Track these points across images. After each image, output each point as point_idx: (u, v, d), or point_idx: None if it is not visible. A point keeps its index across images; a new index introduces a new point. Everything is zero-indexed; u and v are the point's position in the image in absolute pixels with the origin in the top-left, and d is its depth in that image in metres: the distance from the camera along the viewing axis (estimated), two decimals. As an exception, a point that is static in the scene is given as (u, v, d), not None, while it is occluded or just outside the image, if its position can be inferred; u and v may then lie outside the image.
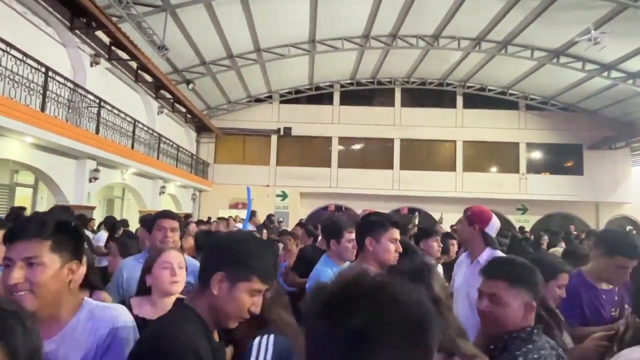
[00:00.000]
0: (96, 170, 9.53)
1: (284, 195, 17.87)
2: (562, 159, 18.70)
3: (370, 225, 2.16)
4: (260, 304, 1.26)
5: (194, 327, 1.16)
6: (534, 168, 18.49)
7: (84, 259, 1.26)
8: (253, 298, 1.23)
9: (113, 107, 10.12)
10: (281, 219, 11.94)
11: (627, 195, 17.71)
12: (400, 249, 2.18)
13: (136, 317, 1.52)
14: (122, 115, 10.68)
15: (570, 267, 2.35)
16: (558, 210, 18.12)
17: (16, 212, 5.88)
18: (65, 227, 1.21)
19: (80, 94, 8.88)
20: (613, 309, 2.30)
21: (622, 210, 18.01)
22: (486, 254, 2.52)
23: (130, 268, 2.49)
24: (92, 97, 9.24)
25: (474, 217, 2.60)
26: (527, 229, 15.12)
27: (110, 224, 6.91)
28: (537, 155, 18.88)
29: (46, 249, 1.15)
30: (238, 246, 1.26)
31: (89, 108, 9.22)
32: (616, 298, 2.32)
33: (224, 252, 1.25)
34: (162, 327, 1.16)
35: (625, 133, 16.68)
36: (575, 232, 11.71)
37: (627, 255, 2.19)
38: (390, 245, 2.13)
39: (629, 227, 16.18)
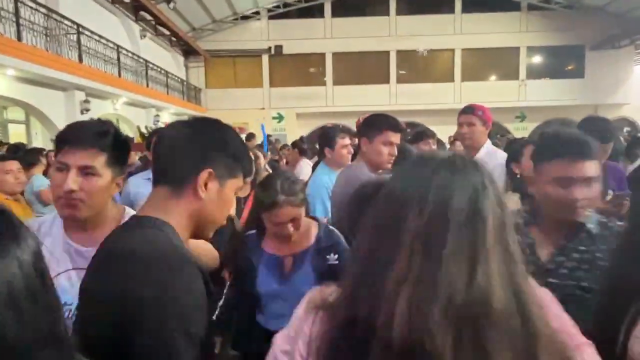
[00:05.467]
0: (86, 101, 9.33)
1: (280, 117, 17.66)
2: (563, 63, 18.15)
3: (367, 126, 2.14)
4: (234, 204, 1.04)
5: (177, 244, 0.89)
6: (534, 73, 18.02)
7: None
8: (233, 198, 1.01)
9: (93, 32, 9.61)
10: (276, 138, 11.94)
11: (627, 96, 17.47)
12: (395, 153, 2.14)
13: None
14: (104, 42, 10.19)
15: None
16: (556, 116, 17.97)
17: (15, 147, 5.86)
18: (118, 141, 1.19)
19: (56, 20, 8.38)
20: None
21: (621, 111, 17.87)
22: (485, 148, 2.55)
23: (136, 184, 2.57)
24: (68, 23, 8.74)
25: (486, 117, 2.55)
26: (525, 136, 15.12)
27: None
28: (537, 59, 18.30)
29: (102, 161, 1.15)
30: (219, 134, 0.96)
31: (68, 35, 8.77)
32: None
33: (205, 143, 0.94)
34: (138, 250, 0.83)
35: (630, 30, 15.96)
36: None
37: (600, 140, 2.18)
38: (383, 148, 2.09)
39: (626, 129, 16.21)
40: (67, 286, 1.16)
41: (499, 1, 17.18)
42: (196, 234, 0.97)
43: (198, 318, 0.81)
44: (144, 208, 0.95)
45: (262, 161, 3.90)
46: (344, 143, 2.68)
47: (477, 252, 0.57)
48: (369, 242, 0.63)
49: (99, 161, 1.15)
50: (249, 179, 1.11)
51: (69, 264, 1.19)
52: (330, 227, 1.82)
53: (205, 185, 0.91)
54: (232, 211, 1.04)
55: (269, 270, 1.70)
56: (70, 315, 1.14)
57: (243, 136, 9.73)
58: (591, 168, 1.19)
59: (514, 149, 2.38)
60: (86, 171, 1.13)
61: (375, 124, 2.13)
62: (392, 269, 0.57)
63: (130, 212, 1.30)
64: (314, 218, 1.84)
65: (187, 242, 0.95)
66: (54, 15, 8.35)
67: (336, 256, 1.72)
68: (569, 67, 18.24)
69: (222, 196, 0.95)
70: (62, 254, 1.19)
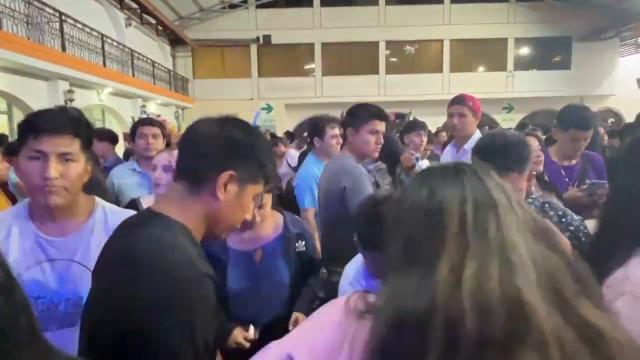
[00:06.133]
0: (70, 91, 9.13)
1: (268, 108, 17.53)
2: (550, 54, 18.31)
3: (352, 116, 2.15)
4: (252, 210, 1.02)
5: (192, 245, 0.88)
6: (522, 65, 18.15)
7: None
8: (252, 203, 0.99)
9: (76, 21, 9.38)
10: (266, 129, 11.87)
11: (612, 87, 17.70)
12: (382, 141, 2.18)
13: None
14: (88, 30, 9.96)
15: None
16: (543, 107, 18.20)
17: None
18: (88, 126, 1.19)
19: (37, 7, 8.16)
20: (571, 184, 2.42)
21: (606, 102, 18.14)
22: (475, 139, 2.57)
23: (119, 175, 2.53)
24: (50, 11, 8.51)
25: (476, 107, 2.57)
26: (512, 127, 15.26)
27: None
28: (525, 51, 18.42)
29: (78, 146, 1.14)
30: (247, 138, 0.94)
31: (50, 23, 8.55)
32: (576, 174, 2.43)
33: (232, 144, 0.92)
34: (157, 252, 0.82)
35: (616, 22, 16.14)
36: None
37: (577, 127, 2.25)
38: (370, 137, 2.12)
39: (610, 120, 16.47)
40: (42, 279, 1.14)
41: (487, -8, 17.22)
42: (209, 235, 0.96)
43: (204, 324, 0.80)
44: (160, 202, 0.94)
45: None
46: (334, 133, 2.68)
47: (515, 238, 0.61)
48: (404, 251, 0.64)
49: (75, 147, 1.14)
50: (270, 186, 1.08)
51: (42, 256, 1.16)
52: (295, 216, 1.84)
53: (225, 187, 0.90)
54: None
55: (239, 267, 1.65)
56: (46, 309, 1.12)
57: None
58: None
59: None
60: (66, 157, 1.12)
61: (360, 114, 2.14)
62: (439, 263, 0.58)
63: (101, 202, 1.28)
64: (277, 209, 1.83)
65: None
66: (35, 3, 8.12)
67: (303, 243, 1.76)
68: (556, 59, 18.40)
69: (241, 200, 0.94)
70: (34, 246, 1.16)
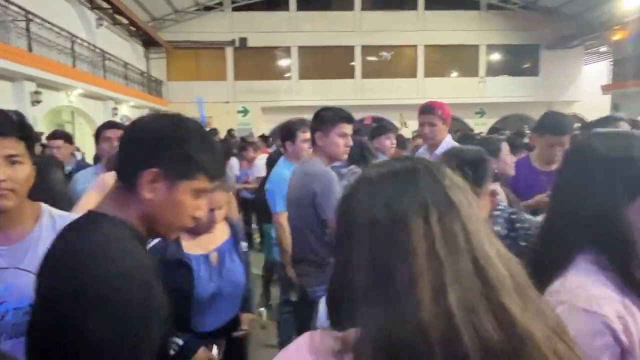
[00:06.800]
0: (37, 92, 8.83)
1: (245, 111, 17.41)
2: (520, 61, 18.92)
3: (320, 120, 2.17)
4: (206, 207, 0.99)
5: (134, 243, 0.85)
6: (493, 71, 18.68)
7: None
8: (198, 200, 0.94)
9: (44, 20, 9.09)
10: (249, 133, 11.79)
11: (577, 94, 18.41)
12: (351, 143, 2.22)
13: None
14: (57, 30, 9.66)
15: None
16: (514, 112, 18.74)
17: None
18: (31, 129, 1.15)
19: (2, 5, 7.87)
20: (550, 189, 2.51)
21: (572, 108, 18.80)
22: (445, 144, 2.63)
23: (83, 180, 2.46)
24: (15, 9, 8.22)
25: (446, 114, 2.61)
26: (485, 131, 15.66)
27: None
28: (496, 57, 18.97)
29: (23, 148, 1.10)
30: (174, 132, 0.90)
31: (15, 22, 8.25)
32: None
33: (155, 141, 0.88)
34: (91, 249, 0.80)
35: (581, 31, 16.83)
36: (528, 132, 12.26)
37: (552, 133, 2.32)
38: (339, 140, 2.15)
39: (576, 124, 17.09)
40: None
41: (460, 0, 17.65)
42: (155, 234, 0.94)
43: (149, 335, 0.77)
44: (101, 202, 0.92)
45: None
46: (305, 137, 2.68)
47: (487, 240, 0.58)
48: (368, 274, 0.57)
49: (21, 149, 1.11)
50: (220, 182, 1.00)
51: None
52: (231, 217, 1.88)
53: (152, 185, 0.86)
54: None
55: (200, 271, 1.62)
56: None
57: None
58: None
59: (490, 145, 2.41)
60: (13, 159, 1.08)
61: (328, 118, 2.16)
62: (417, 290, 0.53)
63: (47, 208, 1.25)
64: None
65: (146, 241, 0.92)
66: (0, 0, 7.84)
67: (245, 244, 1.84)
68: (525, 65, 19.02)
69: (174, 197, 0.89)
70: None
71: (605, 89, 16.92)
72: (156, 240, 1.66)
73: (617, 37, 15.16)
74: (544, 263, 0.89)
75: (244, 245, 1.81)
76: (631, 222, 0.82)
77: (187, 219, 0.93)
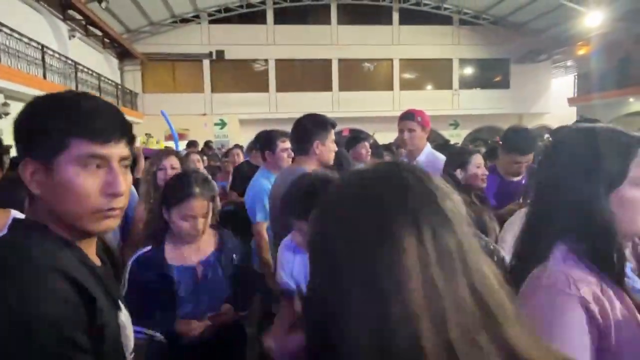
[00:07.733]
0: (5, 104, 8.54)
1: (222, 124, 17.28)
2: (491, 74, 19.55)
3: (318, 128, 2.13)
4: (119, 177, 0.79)
5: (50, 242, 0.77)
6: (466, 84, 19.22)
7: None
8: (95, 171, 0.78)
9: (13, 30, 8.85)
10: (220, 145, 11.69)
11: (547, 106, 19.16)
12: (336, 148, 2.25)
13: None
14: (26, 41, 9.41)
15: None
16: (486, 124, 19.28)
17: None
18: None
19: (-32, 15, 7.63)
20: (517, 199, 2.57)
21: (542, 120, 19.51)
22: (426, 152, 2.67)
23: None
24: (-17, 19, 7.98)
25: (425, 122, 2.67)
26: (459, 142, 15.98)
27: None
28: (468, 71, 19.54)
29: None
30: (27, 110, 0.80)
31: (-18, 32, 8.01)
32: (521, 188, 2.58)
33: (18, 128, 0.80)
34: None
35: (548, 46, 17.57)
36: (500, 143, 12.62)
37: (518, 152, 2.44)
38: (333, 146, 2.18)
39: (546, 136, 17.69)
40: None
41: (433, 15, 18.18)
42: (77, 231, 0.81)
43: (51, 334, 0.69)
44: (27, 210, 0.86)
45: (197, 164, 3.75)
46: (285, 146, 2.67)
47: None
48: (356, 274, 0.52)
49: None
50: (116, 139, 0.81)
51: None
52: (227, 230, 1.83)
53: (32, 177, 0.77)
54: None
55: (184, 284, 1.59)
56: None
57: (184, 142, 9.43)
58: None
59: (459, 156, 2.43)
60: None
61: (323, 126, 2.15)
62: (408, 294, 0.48)
63: (18, 215, 1.20)
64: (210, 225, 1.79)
65: (78, 239, 0.81)
66: (-34, 10, 7.59)
67: (238, 257, 1.76)
68: (497, 79, 19.67)
69: (60, 179, 0.76)
70: None
71: (571, 101, 17.66)
72: (143, 250, 1.61)
73: (581, 52, 15.90)
74: (528, 253, 0.92)
75: (236, 258, 1.73)
76: (611, 212, 0.85)
77: (94, 198, 0.78)
